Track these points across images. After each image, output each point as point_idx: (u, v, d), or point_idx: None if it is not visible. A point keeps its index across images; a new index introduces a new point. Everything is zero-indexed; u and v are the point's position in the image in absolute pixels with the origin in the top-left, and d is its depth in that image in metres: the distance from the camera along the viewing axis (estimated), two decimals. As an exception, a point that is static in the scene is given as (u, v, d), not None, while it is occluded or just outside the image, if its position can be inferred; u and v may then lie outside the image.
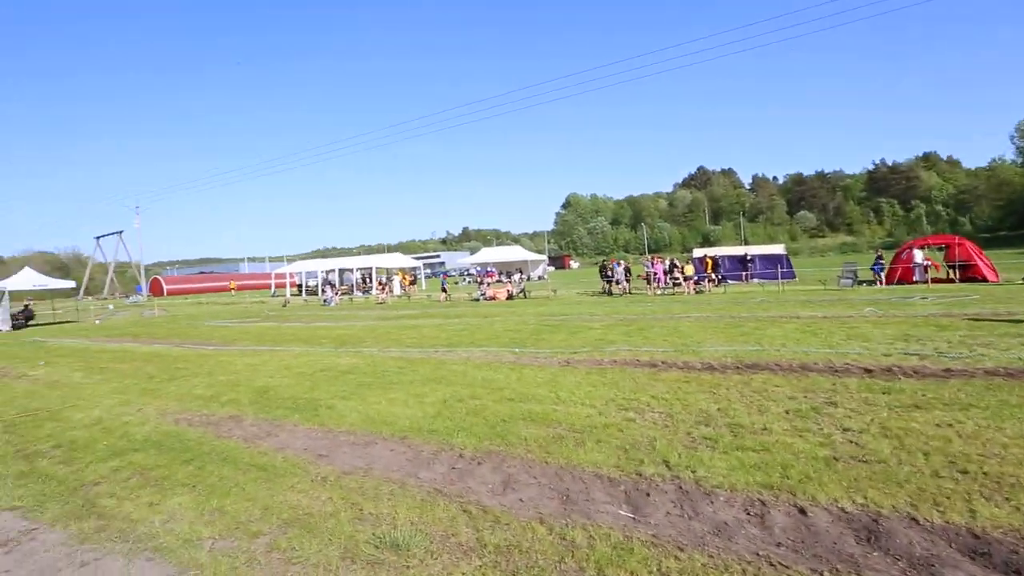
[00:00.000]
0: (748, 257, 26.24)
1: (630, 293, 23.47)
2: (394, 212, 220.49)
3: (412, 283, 31.88)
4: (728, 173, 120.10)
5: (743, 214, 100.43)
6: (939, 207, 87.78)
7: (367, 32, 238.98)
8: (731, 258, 27.47)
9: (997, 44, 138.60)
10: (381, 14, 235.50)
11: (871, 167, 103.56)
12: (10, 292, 24.23)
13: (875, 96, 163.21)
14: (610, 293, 23.11)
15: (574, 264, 79.44)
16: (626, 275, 23.83)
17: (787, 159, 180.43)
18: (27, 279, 25.67)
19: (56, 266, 62.39)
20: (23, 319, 24.86)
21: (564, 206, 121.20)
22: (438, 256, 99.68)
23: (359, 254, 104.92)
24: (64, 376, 10.07)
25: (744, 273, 25.94)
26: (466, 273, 67.64)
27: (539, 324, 13.85)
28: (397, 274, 33.02)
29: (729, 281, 25.87)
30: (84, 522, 3.63)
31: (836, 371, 6.94)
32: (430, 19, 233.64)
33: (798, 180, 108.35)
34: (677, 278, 22.12)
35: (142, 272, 55.31)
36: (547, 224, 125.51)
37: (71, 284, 29.57)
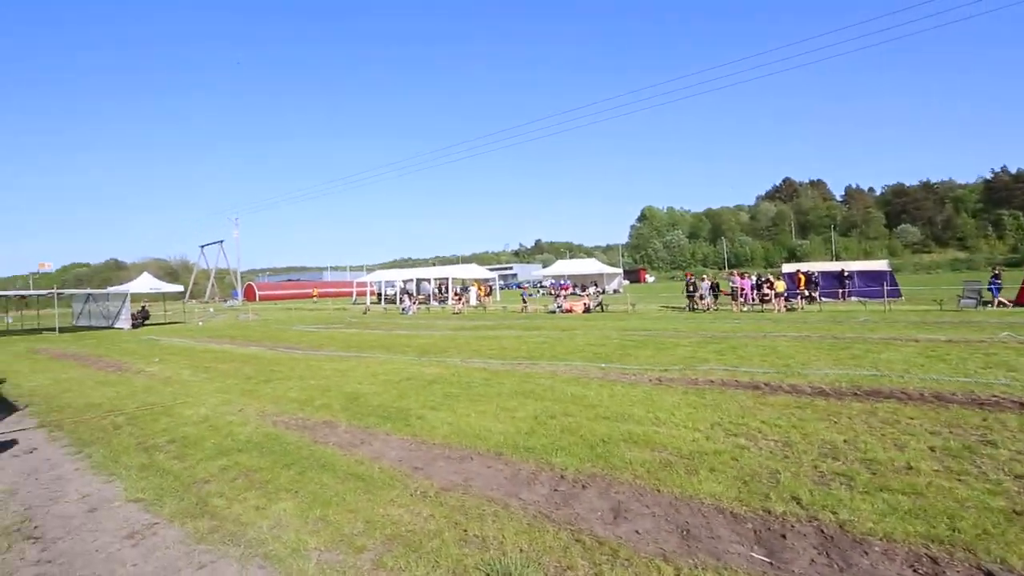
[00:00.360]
0: (846, 273, 24.24)
1: (716, 309, 22.33)
2: (468, 224, 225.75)
3: (488, 294, 32.11)
4: (817, 184, 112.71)
5: (834, 228, 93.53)
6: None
7: (444, 48, 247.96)
8: (826, 274, 25.52)
9: None
10: (455, 29, 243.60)
11: (988, 175, 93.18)
12: (131, 294, 26.82)
13: (991, 96, 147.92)
14: (693, 309, 22.07)
15: (649, 278, 77.23)
16: (712, 291, 22.66)
17: (885, 169, 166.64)
18: (145, 283, 28.41)
19: (167, 271, 68.88)
20: (140, 319, 27.44)
21: (639, 219, 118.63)
22: (511, 268, 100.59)
23: (434, 264, 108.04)
24: (175, 373, 10.81)
25: (841, 290, 23.98)
26: (539, 285, 67.78)
27: (622, 339, 13.36)
28: (473, 285, 33.44)
29: (823, 299, 24.03)
30: (199, 521, 3.69)
31: (983, 404, 6.04)
32: (508, 33, 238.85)
33: (899, 191, 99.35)
34: (766, 294, 20.76)
35: (238, 279, 59.83)
36: (621, 237, 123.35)
37: (180, 288, 32.44)
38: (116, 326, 26.76)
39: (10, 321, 33.88)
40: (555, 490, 4.11)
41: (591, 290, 35.69)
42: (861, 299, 23.04)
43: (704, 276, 24.34)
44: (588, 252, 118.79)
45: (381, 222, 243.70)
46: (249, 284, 65.79)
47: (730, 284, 22.82)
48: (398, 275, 44.11)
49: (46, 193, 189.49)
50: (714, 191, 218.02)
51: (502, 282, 54.92)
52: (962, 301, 17.24)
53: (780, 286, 20.71)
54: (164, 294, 32.14)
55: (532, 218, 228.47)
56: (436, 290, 39.31)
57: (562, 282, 46.55)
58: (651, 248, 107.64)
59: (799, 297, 21.47)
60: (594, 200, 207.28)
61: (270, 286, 72.56)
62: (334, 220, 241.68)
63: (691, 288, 22.49)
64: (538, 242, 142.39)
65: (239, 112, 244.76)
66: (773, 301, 20.48)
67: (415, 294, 36.85)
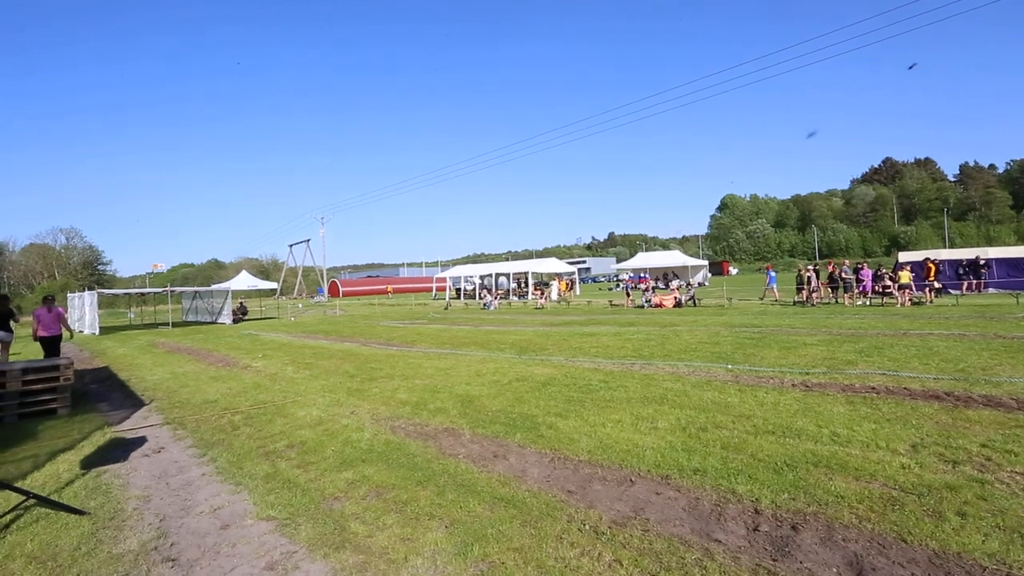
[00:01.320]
0: (982, 261, 21.25)
1: (826, 303, 20.27)
2: (540, 219, 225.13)
3: (569, 289, 31.28)
4: (925, 163, 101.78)
5: (947, 212, 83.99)
6: None
7: (516, 44, 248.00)
8: (953, 263, 22.56)
9: None
10: (518, 27, 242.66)
11: None
12: (231, 291, 28.40)
13: None
14: (803, 303, 20.12)
15: (733, 270, 73.11)
16: (835, 281, 20.52)
17: (1009, 143, 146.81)
18: (243, 281, 30.05)
19: (259, 270, 73.49)
20: (240, 314, 29.02)
21: (719, 208, 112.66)
22: (584, 262, 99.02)
23: (507, 259, 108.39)
24: (279, 370, 10.89)
25: (975, 281, 21.05)
26: (613, 278, 65.94)
27: (735, 336, 12.13)
28: (554, 280, 32.73)
29: (950, 291, 21.20)
30: (343, 553, 3.20)
31: None
32: (573, 29, 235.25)
33: None
34: (888, 287, 18.50)
35: (324, 276, 62.68)
36: (698, 228, 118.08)
37: (273, 285, 34.17)
38: (219, 321, 28.45)
39: (132, 316, 37.17)
40: (756, 530, 3.29)
41: (674, 283, 33.93)
42: (1001, 291, 20.12)
43: (814, 266, 22.10)
44: (663, 244, 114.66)
45: (454, 219, 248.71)
46: (333, 281, 68.82)
47: (843, 274, 20.60)
48: (476, 270, 44.23)
49: (156, 198, 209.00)
50: (801, 176, 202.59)
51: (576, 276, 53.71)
52: None
53: (905, 277, 18.38)
54: (260, 291, 33.89)
55: (604, 211, 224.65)
56: (515, 285, 38.97)
57: (641, 275, 44.89)
58: (733, 239, 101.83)
59: (928, 289, 18.98)
60: (668, 190, 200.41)
61: (352, 283, 75.61)
62: (409, 218, 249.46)
63: (800, 281, 20.52)
64: (611, 235, 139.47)
65: (323, 114, 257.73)
66: (896, 293, 18.21)
67: (495, 289, 36.68)
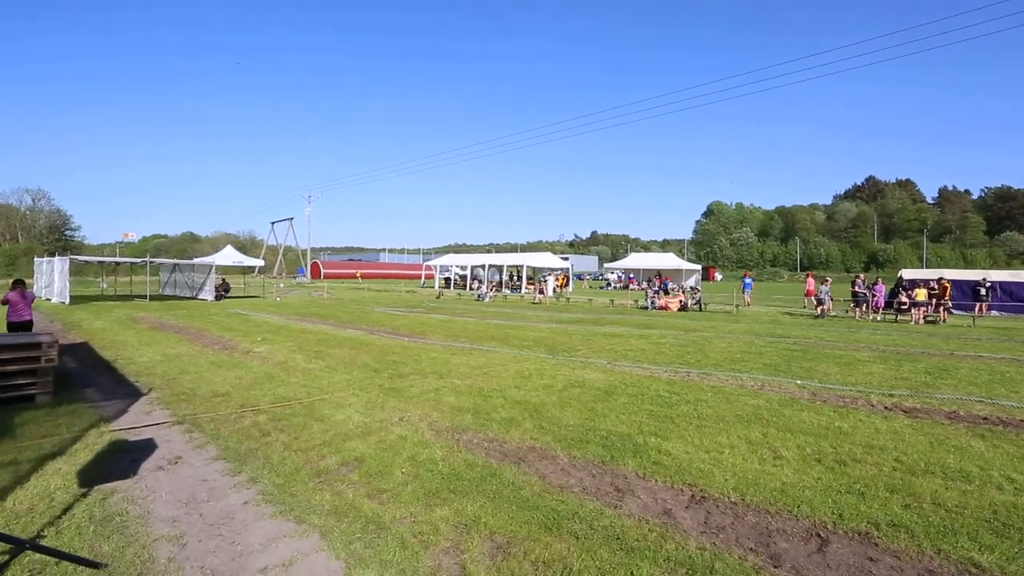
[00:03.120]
0: (987, 283, 21.10)
1: (834, 316, 19.85)
2: (522, 213, 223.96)
3: (565, 284, 30.42)
4: (905, 184, 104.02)
5: (925, 232, 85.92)
6: None
7: (505, 39, 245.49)
8: (956, 283, 22.42)
9: None
10: (516, 22, 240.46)
11: None
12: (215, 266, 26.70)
13: None
14: (821, 315, 19.63)
15: (718, 276, 73.40)
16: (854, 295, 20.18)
17: (985, 170, 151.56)
18: (228, 256, 28.32)
19: (237, 246, 70.58)
20: (222, 291, 27.35)
21: (705, 214, 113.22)
22: (566, 258, 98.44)
23: (489, 251, 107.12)
24: (288, 358, 9.71)
25: (977, 303, 20.91)
26: (599, 277, 65.40)
27: (773, 347, 11.41)
28: (550, 275, 31.83)
29: (953, 311, 21.04)
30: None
31: None
32: (570, 24, 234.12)
33: (1003, 194, 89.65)
34: (904, 303, 18.15)
35: (307, 256, 60.48)
36: (681, 232, 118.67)
37: (260, 263, 32.42)
38: (200, 297, 26.75)
39: (104, 286, 34.89)
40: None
41: (668, 286, 33.44)
42: (1002, 314, 20.06)
43: (827, 279, 21.70)
44: (645, 246, 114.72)
45: (436, 207, 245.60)
46: (315, 262, 66.57)
47: (855, 288, 20.20)
48: (467, 260, 43.06)
49: (127, 164, 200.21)
50: (785, 188, 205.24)
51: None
52: None
53: (921, 295, 18.06)
54: (242, 268, 32.15)
55: (587, 209, 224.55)
56: (508, 277, 37.97)
57: (630, 276, 44.33)
58: (716, 245, 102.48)
59: (942, 308, 18.69)
60: (653, 193, 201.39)
61: (333, 264, 73.39)
62: (391, 204, 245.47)
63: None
64: (594, 233, 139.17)
65: (305, 93, 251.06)
66: (912, 311, 17.86)
67: (486, 281, 35.63)
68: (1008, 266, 66.94)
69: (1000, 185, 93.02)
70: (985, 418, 6.08)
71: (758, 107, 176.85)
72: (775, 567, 2.99)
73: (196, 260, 29.09)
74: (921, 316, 18.00)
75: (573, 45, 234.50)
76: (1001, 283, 22.25)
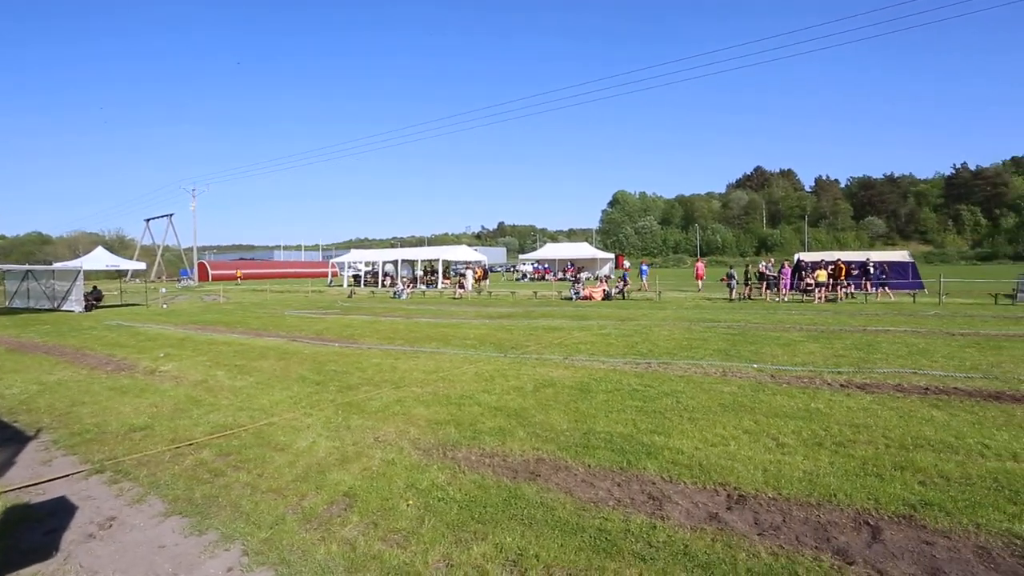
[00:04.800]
0: (871, 264, 23.82)
1: (749, 299, 21.37)
2: (425, 205, 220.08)
3: (483, 278, 30.09)
4: (787, 174, 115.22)
5: (806, 218, 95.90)
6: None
7: (410, 30, 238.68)
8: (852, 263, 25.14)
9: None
10: (424, 13, 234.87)
11: (951, 171, 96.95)
12: (84, 271, 23.03)
13: (953, 95, 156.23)
14: (745, 298, 21.03)
15: (626, 263, 76.99)
16: (751, 279, 21.83)
17: (850, 161, 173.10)
18: (100, 259, 24.56)
19: (105, 247, 62.08)
20: (93, 300, 23.75)
21: (611, 204, 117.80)
22: (475, 251, 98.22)
23: (393, 246, 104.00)
24: (205, 375, 8.43)
25: (863, 282, 23.56)
26: (511, 269, 65.87)
27: (712, 332, 11.88)
28: (468, 268, 31.30)
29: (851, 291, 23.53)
30: None
31: None
32: (476, 16, 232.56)
33: (865, 183, 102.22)
34: (809, 284, 19.94)
35: (194, 256, 54.55)
36: (586, 222, 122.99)
37: (141, 266, 28.46)
38: (65, 308, 22.96)
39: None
40: None
41: (583, 275, 34.34)
42: (883, 291, 22.74)
43: (732, 266, 23.35)
44: (552, 236, 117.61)
45: (334, 201, 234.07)
46: (201, 262, 60.20)
47: (763, 271, 21.88)
48: (375, 256, 41.26)
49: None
50: (683, 178, 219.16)
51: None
52: (1020, 295, 16.88)
53: (822, 276, 19.93)
54: (117, 271, 28.19)
55: (493, 201, 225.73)
56: (421, 273, 36.88)
57: (544, 266, 45.06)
58: (622, 234, 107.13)
59: (839, 287, 20.82)
60: (558, 185, 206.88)
61: (222, 265, 67.07)
62: (281, 199, 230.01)
63: (731, 278, 21.45)
64: (501, 225, 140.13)
65: (180, 81, 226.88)
66: (815, 292, 19.68)
67: (403, 276, 34.33)
68: (871, 247, 76.96)
69: (862, 175, 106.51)
70: (926, 388, 6.59)
71: (654, 98, 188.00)
72: (849, 564, 2.86)
73: (58, 265, 24.94)
74: (823, 296, 19.83)
75: (472, 36, 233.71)
76: (881, 263, 25.28)
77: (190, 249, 56.20)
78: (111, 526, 3.50)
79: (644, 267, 28.37)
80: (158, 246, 56.21)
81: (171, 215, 54.00)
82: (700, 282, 28.48)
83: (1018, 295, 17.03)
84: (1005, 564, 2.84)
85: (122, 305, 26.24)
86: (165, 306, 25.43)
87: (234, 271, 62.45)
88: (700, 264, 30.15)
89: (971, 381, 6.89)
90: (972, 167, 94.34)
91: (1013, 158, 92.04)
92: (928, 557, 2.93)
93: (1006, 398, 6.08)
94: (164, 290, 39.73)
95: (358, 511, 3.58)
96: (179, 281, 52.02)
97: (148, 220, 57.69)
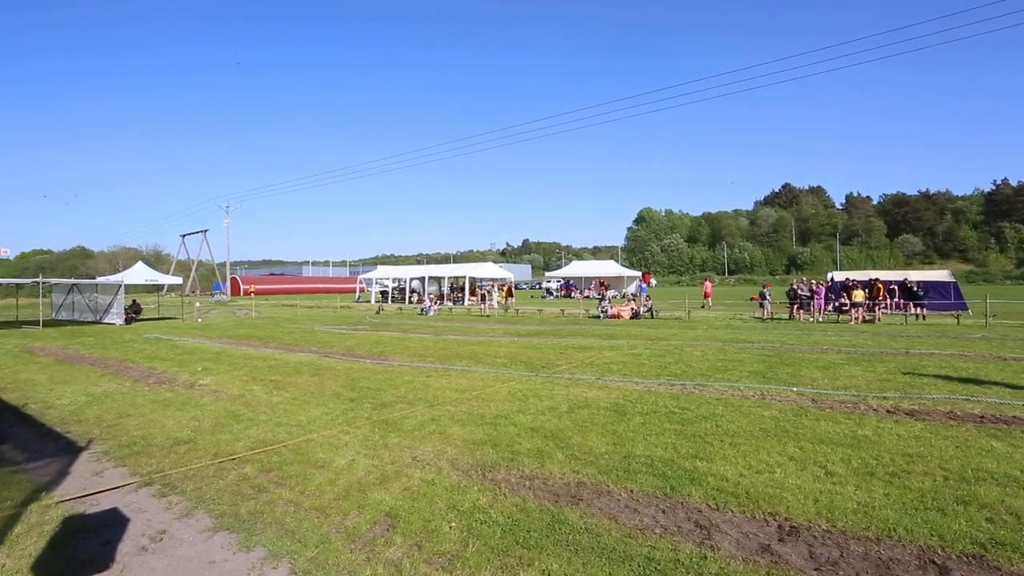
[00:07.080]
0: (910, 283, 23.05)
1: (779, 319, 20.89)
2: (452, 222, 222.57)
3: (510, 295, 30.13)
4: (816, 191, 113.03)
5: (837, 236, 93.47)
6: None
7: (436, 48, 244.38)
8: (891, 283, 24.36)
9: None
10: (448, 30, 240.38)
11: (991, 187, 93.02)
12: (125, 286, 23.90)
13: (990, 110, 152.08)
14: (766, 318, 20.58)
15: (653, 281, 76.29)
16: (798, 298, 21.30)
17: (882, 178, 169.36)
18: (140, 274, 25.47)
19: (144, 262, 64.33)
20: (133, 313, 24.57)
21: (636, 221, 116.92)
22: (501, 267, 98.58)
23: (419, 262, 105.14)
24: (243, 390, 8.60)
25: (901, 302, 22.79)
26: (537, 286, 65.81)
27: (747, 353, 11.61)
28: (494, 286, 31.40)
29: (887, 311, 22.78)
30: None
31: None
32: (501, 34, 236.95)
33: (899, 200, 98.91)
34: (846, 304, 19.40)
35: (227, 271, 56.08)
36: (612, 240, 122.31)
37: (177, 280, 29.42)
38: (106, 321, 23.82)
39: (-24, 312, 30.30)
40: None
41: (609, 293, 34.11)
42: (923, 313, 21.95)
43: (767, 284, 22.89)
44: (577, 254, 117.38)
45: (361, 218, 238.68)
46: (234, 277, 61.84)
47: (797, 291, 21.36)
48: (402, 272, 41.77)
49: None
50: (710, 195, 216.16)
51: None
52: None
53: (859, 295, 19.35)
54: (155, 286, 29.14)
55: (518, 218, 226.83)
56: (448, 290, 37.14)
57: (571, 284, 44.94)
58: (648, 252, 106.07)
59: (877, 308, 20.17)
60: (583, 201, 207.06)
61: (254, 280, 68.78)
62: (311, 215, 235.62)
63: (763, 297, 21.05)
64: (526, 242, 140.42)
65: (216, 102, 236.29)
66: (851, 312, 19.12)
67: (425, 293, 34.62)
68: (908, 266, 74.31)
69: (896, 192, 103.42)
70: (981, 416, 6.30)
71: (682, 116, 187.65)
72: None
73: (100, 279, 25.94)
74: (860, 316, 19.25)
75: (501, 55, 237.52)
76: (920, 282, 24.44)
77: (223, 264, 57.86)
78: (162, 539, 3.57)
79: (643, 285, 28.05)
80: (193, 261, 58.03)
81: (206, 231, 55.76)
82: (708, 300, 28.30)
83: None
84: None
85: (159, 319, 27.09)
86: (200, 320, 26.14)
87: (267, 285, 63.93)
88: (708, 283, 30.34)
89: (1033, 412, 6.57)
90: (1013, 183, 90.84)
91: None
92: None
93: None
94: (199, 304, 40.90)
95: (401, 532, 3.57)
96: (212, 295, 53.47)
97: (184, 235, 59.74)
